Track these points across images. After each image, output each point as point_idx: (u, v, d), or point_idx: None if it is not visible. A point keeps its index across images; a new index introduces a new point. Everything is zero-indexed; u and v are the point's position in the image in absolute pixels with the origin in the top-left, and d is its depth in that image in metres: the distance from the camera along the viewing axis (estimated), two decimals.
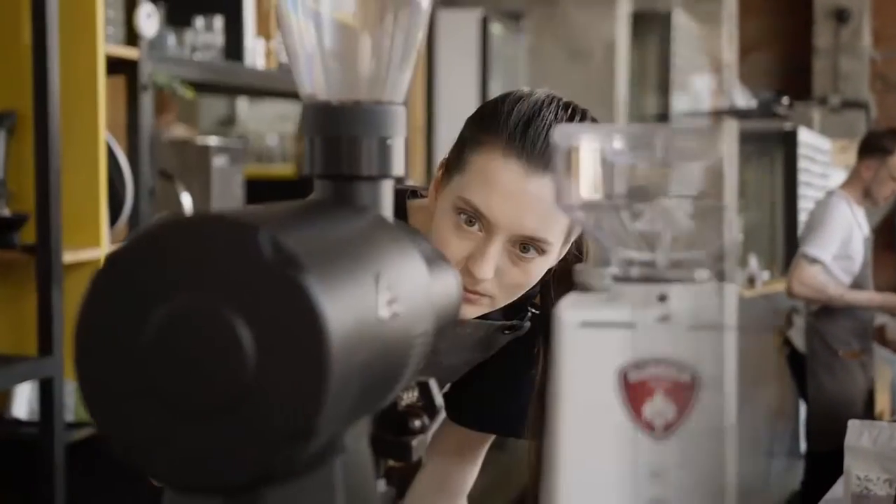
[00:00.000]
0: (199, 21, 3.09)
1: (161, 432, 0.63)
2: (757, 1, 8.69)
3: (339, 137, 0.83)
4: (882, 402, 6.55)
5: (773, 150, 6.94)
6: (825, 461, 4.21)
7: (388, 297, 0.72)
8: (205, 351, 0.63)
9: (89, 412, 0.65)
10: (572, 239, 1.31)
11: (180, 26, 3.06)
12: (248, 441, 0.62)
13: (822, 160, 7.53)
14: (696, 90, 7.76)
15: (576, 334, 0.71)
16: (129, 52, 2.71)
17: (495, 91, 6.00)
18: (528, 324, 1.40)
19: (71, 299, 2.46)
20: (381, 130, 0.83)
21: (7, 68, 2.49)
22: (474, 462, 1.55)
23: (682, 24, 7.36)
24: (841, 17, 9.36)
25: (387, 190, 0.85)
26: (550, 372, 0.76)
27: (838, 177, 8.33)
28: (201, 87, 3.29)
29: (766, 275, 6.21)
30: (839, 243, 4.24)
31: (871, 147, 4.34)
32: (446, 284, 0.89)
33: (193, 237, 0.64)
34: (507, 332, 1.40)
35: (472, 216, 1.24)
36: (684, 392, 0.69)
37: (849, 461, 1.93)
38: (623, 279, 0.73)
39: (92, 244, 2.56)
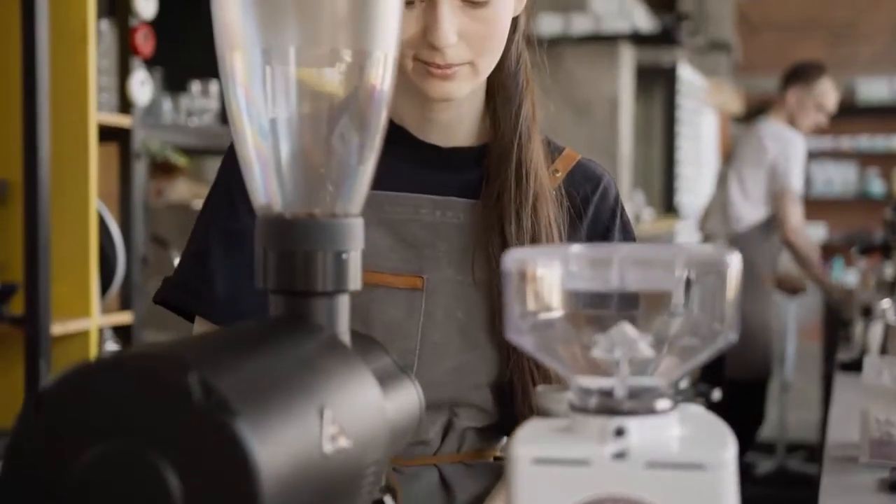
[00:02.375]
0: (195, 86, 3.09)
1: None
2: None
3: (293, 252, 0.80)
4: None
5: (653, 85, 7.05)
6: (742, 390, 4.21)
7: (333, 430, 0.69)
8: (132, 497, 0.61)
9: None
10: None
11: (176, 91, 3.05)
12: None
13: (698, 98, 7.69)
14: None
15: (530, 471, 0.68)
16: (121, 120, 2.70)
17: None
18: None
19: (59, 372, 2.44)
20: (337, 244, 0.81)
21: None
22: None
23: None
24: None
25: (343, 304, 0.82)
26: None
27: (710, 116, 8.47)
28: (198, 151, 3.28)
29: (650, 212, 6.32)
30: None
31: (797, 76, 4.50)
32: (404, 401, 0.86)
33: (122, 377, 0.62)
34: None
35: None
36: None
37: (867, 402, 1.75)
38: (580, 409, 0.70)
39: (82, 315, 2.54)
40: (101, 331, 2.65)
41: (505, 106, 1.25)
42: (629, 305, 0.71)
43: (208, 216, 1.25)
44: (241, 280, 1.16)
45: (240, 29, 0.80)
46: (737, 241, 4.46)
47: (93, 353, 2.57)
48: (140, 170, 2.74)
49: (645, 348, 0.70)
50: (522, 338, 0.71)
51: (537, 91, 1.29)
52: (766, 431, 5.87)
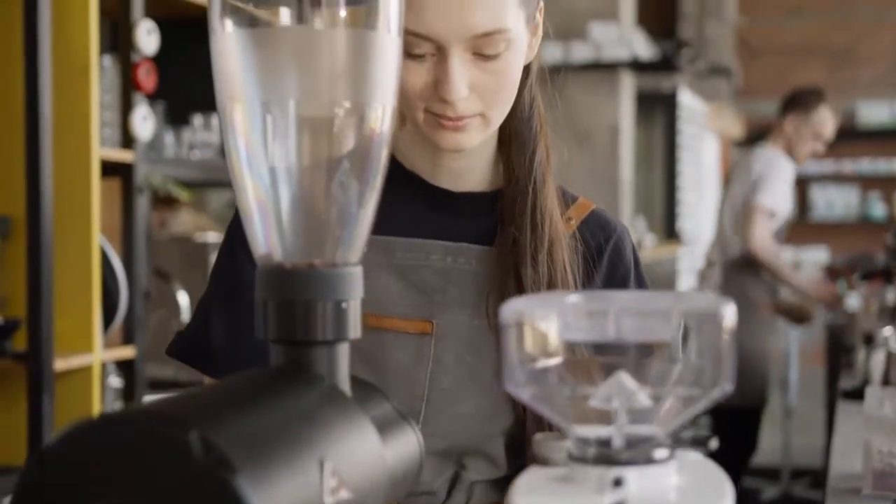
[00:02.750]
0: (197, 119, 3.10)
1: None
2: None
3: (293, 301, 0.81)
4: None
5: (654, 111, 7.06)
6: (734, 417, 4.20)
7: (333, 483, 0.70)
8: None
9: None
10: (536, 13, 1.21)
11: (178, 124, 3.07)
12: None
13: (699, 123, 7.71)
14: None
15: None
16: (124, 155, 2.71)
17: None
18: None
19: (62, 408, 2.44)
20: (337, 294, 0.81)
21: (0, 172, 2.50)
22: None
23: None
24: None
25: (343, 353, 0.83)
26: None
27: (711, 141, 8.50)
28: (200, 184, 3.30)
29: (651, 238, 6.34)
30: (784, 197, 4.40)
31: (795, 103, 4.48)
32: (404, 448, 0.86)
33: (124, 435, 0.62)
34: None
35: (416, 44, 1.13)
36: None
37: (868, 433, 1.75)
38: (578, 459, 0.70)
39: (85, 350, 2.54)
40: (103, 365, 2.66)
41: (519, 151, 1.24)
42: (626, 355, 0.72)
43: (214, 268, 1.27)
44: (240, 332, 1.16)
45: (240, 81, 0.81)
46: (731, 268, 4.47)
47: (96, 388, 2.58)
48: (142, 204, 2.75)
49: (642, 398, 0.70)
50: (520, 389, 0.71)
51: (550, 132, 1.29)
52: (771, 457, 5.86)
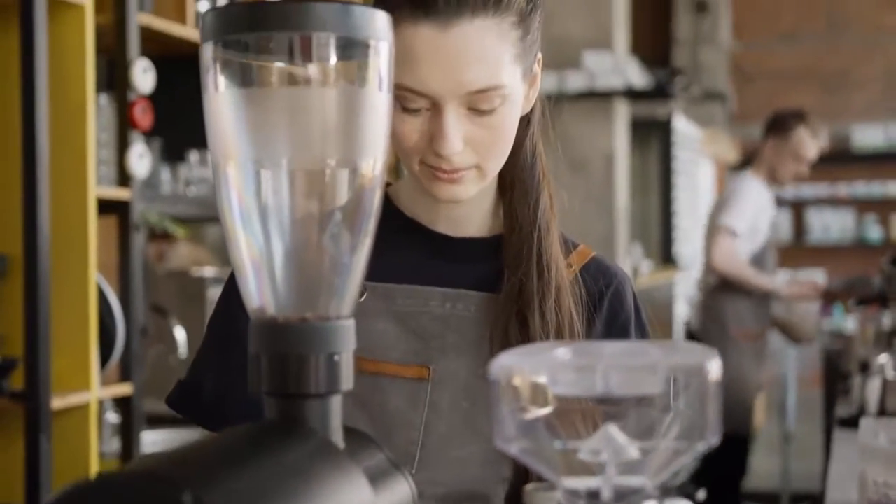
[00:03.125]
0: (194, 155, 3.12)
1: None
2: None
3: (286, 355, 0.82)
4: (759, 415, 6.55)
5: (649, 137, 7.08)
6: (723, 445, 4.17)
7: None
8: None
9: None
10: (533, 66, 1.21)
11: (175, 161, 3.09)
12: None
13: (694, 148, 7.73)
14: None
15: None
16: (120, 193, 2.73)
17: None
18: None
19: (60, 446, 2.44)
20: (330, 347, 0.83)
21: None
22: None
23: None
24: (700, 8, 9.52)
25: (335, 405, 0.84)
26: None
27: (706, 166, 8.53)
28: (197, 220, 3.31)
29: (648, 264, 6.34)
30: (751, 218, 4.34)
31: (774, 126, 4.49)
32: (397, 499, 0.87)
33: (118, 497, 0.63)
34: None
35: (411, 99, 1.13)
36: None
37: (864, 464, 1.74)
38: None
39: (82, 388, 2.55)
40: (100, 402, 2.66)
41: (522, 199, 1.24)
42: (615, 408, 0.73)
43: (210, 318, 1.28)
44: (232, 384, 1.17)
45: (233, 139, 0.82)
46: (709, 294, 4.48)
47: (93, 425, 2.58)
48: (139, 241, 2.76)
49: (631, 451, 0.72)
50: (510, 443, 0.72)
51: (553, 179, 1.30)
52: (769, 482, 5.85)
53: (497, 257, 1.25)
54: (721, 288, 4.42)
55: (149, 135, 2.86)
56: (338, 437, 0.84)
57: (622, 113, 5.76)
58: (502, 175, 1.24)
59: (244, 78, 0.82)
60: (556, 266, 1.22)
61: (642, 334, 1.28)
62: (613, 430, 0.72)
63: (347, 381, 0.83)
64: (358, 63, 0.83)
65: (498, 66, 1.13)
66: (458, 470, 1.20)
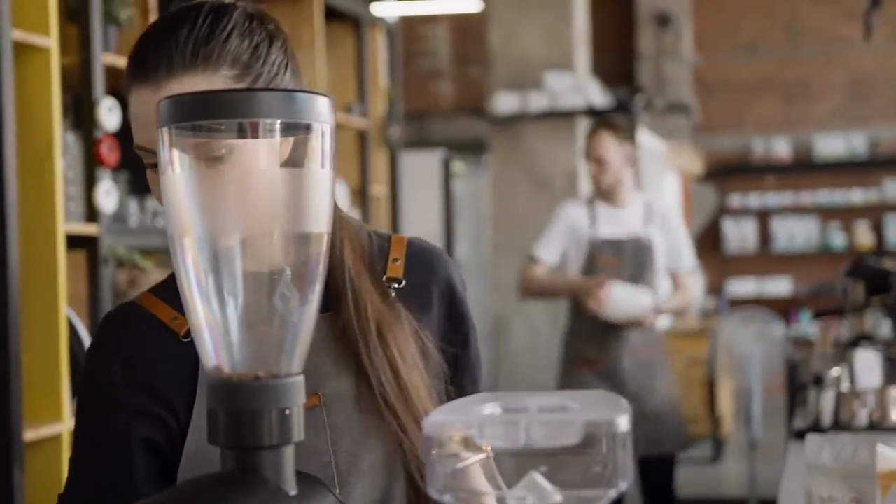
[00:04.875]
0: None
1: None
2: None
3: (241, 411, 0.89)
4: (726, 422, 6.54)
5: None
6: (648, 465, 4.17)
7: None
8: None
9: None
10: None
11: (142, 194, 3.15)
12: None
13: (659, 161, 7.81)
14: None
15: None
16: (88, 229, 2.79)
17: (460, 227, 6.15)
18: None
19: (32, 477, 2.50)
20: (281, 402, 0.90)
21: None
22: None
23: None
24: (662, 22, 9.65)
25: (288, 455, 0.91)
26: None
27: (672, 178, 8.65)
28: (165, 251, 3.37)
29: None
30: (562, 244, 4.12)
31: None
32: None
33: None
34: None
35: (147, 156, 1.20)
36: None
37: (809, 480, 1.81)
38: None
39: (53, 420, 2.61)
40: (72, 433, 2.71)
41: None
42: (538, 458, 0.81)
43: (77, 430, 1.27)
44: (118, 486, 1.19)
45: (188, 216, 0.90)
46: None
47: (65, 456, 2.64)
48: (107, 275, 2.82)
49: (555, 496, 0.80)
50: (442, 493, 0.80)
51: None
52: (737, 489, 5.96)
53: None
54: (569, 316, 4.24)
55: (115, 170, 2.93)
56: (290, 485, 0.91)
57: (584, 130, 5.87)
58: None
59: (197, 160, 0.90)
60: (370, 304, 1.26)
61: (468, 326, 1.35)
62: (537, 478, 0.80)
63: (298, 432, 0.91)
64: (301, 143, 0.90)
65: None
66: (371, 475, 1.26)
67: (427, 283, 1.33)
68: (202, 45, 1.18)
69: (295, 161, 0.91)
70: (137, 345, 1.26)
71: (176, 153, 0.90)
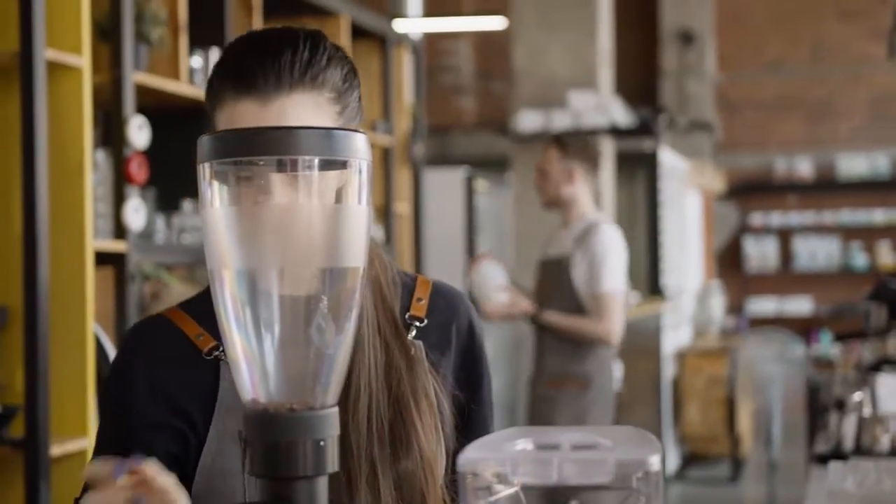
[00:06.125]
0: (188, 204, 3.21)
1: None
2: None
3: (276, 442, 0.91)
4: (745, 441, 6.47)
5: (635, 170, 7.14)
6: None
7: None
8: None
9: None
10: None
11: (169, 210, 3.18)
12: None
13: (680, 179, 7.79)
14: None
15: None
16: (116, 246, 2.82)
17: (482, 244, 6.16)
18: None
19: (58, 492, 2.52)
20: (316, 433, 0.92)
21: None
22: None
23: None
24: (686, 40, 9.62)
25: (322, 485, 0.92)
26: None
27: (693, 196, 8.63)
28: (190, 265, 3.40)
29: (635, 296, 6.39)
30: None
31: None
32: None
33: None
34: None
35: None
36: None
37: None
38: None
39: (79, 435, 2.63)
40: None
41: None
42: (570, 493, 0.82)
43: (99, 436, 1.29)
44: None
45: (227, 250, 0.92)
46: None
47: None
48: (134, 291, 2.85)
49: None
50: None
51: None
52: None
53: None
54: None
55: (143, 186, 2.96)
56: None
57: (607, 150, 5.87)
58: None
59: (237, 196, 0.92)
60: (381, 341, 1.27)
61: (483, 367, 1.36)
62: None
63: (333, 463, 0.92)
64: (338, 180, 0.92)
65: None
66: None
67: (448, 323, 1.35)
68: (308, 67, 1.20)
69: (332, 197, 0.92)
70: (161, 357, 1.28)
71: (215, 189, 0.92)
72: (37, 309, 2.52)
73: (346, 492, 1.22)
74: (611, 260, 3.90)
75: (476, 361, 1.37)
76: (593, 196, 4.11)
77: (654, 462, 0.79)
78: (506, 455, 0.81)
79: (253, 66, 1.19)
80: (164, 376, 1.26)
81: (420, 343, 1.30)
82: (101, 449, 1.27)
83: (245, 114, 1.19)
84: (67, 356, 2.62)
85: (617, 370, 4.06)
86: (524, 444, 0.84)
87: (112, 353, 2.77)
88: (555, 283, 3.95)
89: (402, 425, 1.25)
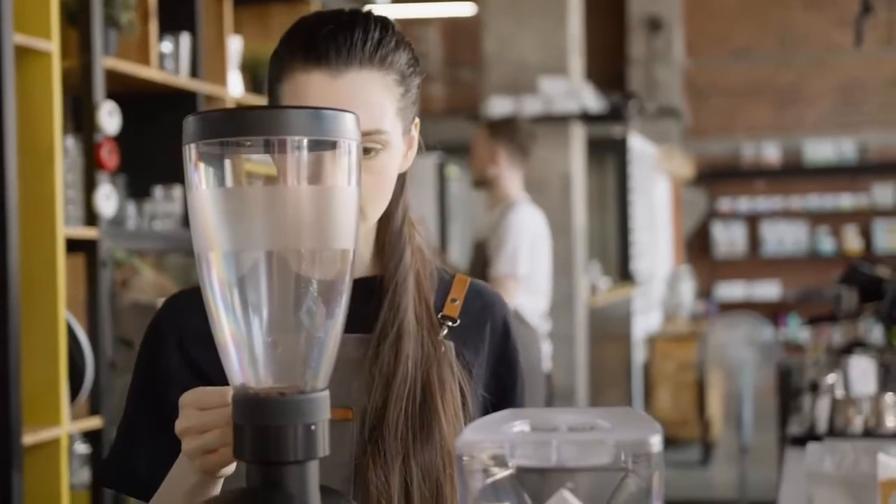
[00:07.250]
0: (159, 191, 3.18)
1: None
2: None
3: (266, 426, 0.90)
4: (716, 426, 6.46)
5: (605, 156, 7.19)
6: None
7: None
8: None
9: None
10: (411, 128, 1.28)
11: (140, 197, 3.15)
12: None
13: (650, 165, 7.85)
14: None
15: None
16: (87, 233, 2.78)
17: (454, 229, 6.15)
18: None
19: (31, 480, 2.49)
20: (306, 418, 0.90)
21: None
22: None
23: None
24: (654, 26, 9.68)
25: (313, 469, 0.91)
26: None
27: (662, 182, 8.69)
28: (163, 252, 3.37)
29: (606, 281, 6.43)
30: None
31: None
32: None
33: None
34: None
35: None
36: None
37: (812, 489, 1.82)
38: None
39: (52, 423, 2.60)
40: (70, 436, 2.71)
41: (390, 258, 1.29)
42: (568, 475, 0.81)
43: (131, 391, 1.30)
44: (165, 455, 1.17)
45: (214, 232, 0.90)
46: None
47: (64, 459, 2.63)
48: (106, 278, 2.82)
49: None
50: None
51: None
52: (728, 492, 5.98)
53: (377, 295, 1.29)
54: None
55: (114, 173, 2.92)
56: (314, 499, 0.91)
57: (578, 135, 5.87)
58: (380, 224, 1.30)
59: (223, 177, 0.90)
60: (403, 318, 1.26)
61: (515, 358, 1.36)
62: (567, 495, 0.80)
63: (324, 447, 0.91)
64: (327, 161, 0.91)
65: (381, 114, 1.21)
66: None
67: (482, 324, 1.34)
68: (378, 46, 1.22)
69: (321, 178, 0.91)
70: (194, 323, 1.25)
71: (201, 170, 0.90)
72: (8, 296, 2.48)
73: (382, 472, 1.21)
74: (511, 243, 3.91)
75: (511, 364, 1.36)
76: (520, 181, 4.14)
77: (655, 443, 0.78)
78: (504, 437, 0.80)
79: (326, 39, 1.20)
80: (193, 342, 1.25)
81: (451, 343, 1.30)
82: (135, 403, 1.29)
83: (314, 85, 1.19)
84: (39, 344, 2.59)
85: (546, 348, 4.01)
86: (521, 426, 0.83)
87: (84, 340, 2.74)
88: (479, 265, 4.00)
89: (427, 413, 1.24)
